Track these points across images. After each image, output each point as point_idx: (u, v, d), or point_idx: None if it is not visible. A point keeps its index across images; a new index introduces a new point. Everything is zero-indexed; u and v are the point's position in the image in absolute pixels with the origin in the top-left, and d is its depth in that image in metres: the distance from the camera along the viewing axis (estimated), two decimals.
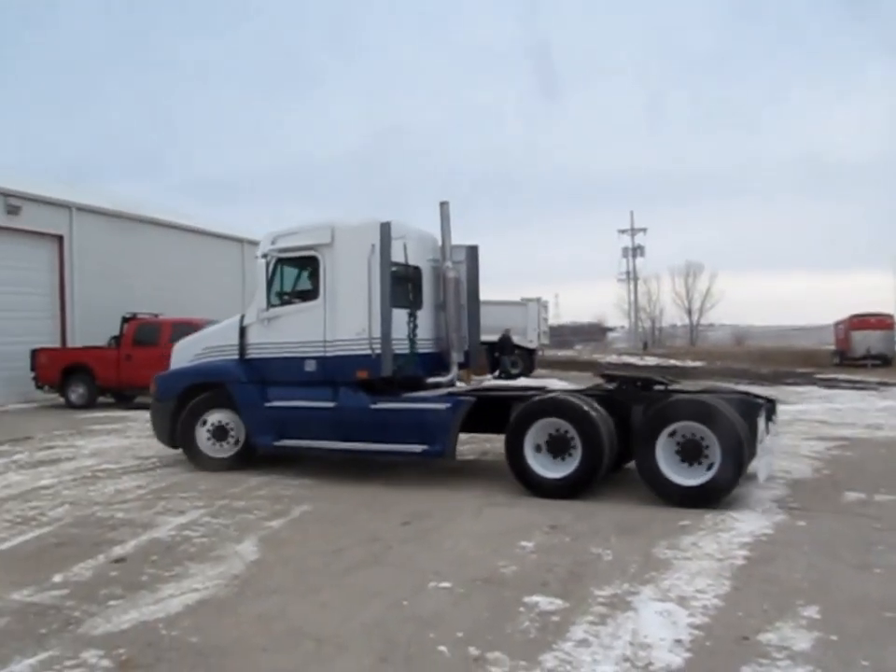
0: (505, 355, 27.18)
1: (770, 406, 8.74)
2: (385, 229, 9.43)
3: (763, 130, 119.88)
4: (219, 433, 10.20)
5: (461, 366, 10.62)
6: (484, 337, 26.65)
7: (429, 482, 9.17)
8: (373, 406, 9.31)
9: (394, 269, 9.52)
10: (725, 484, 7.55)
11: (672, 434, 7.76)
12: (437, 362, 10.47)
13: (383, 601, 5.21)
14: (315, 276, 9.76)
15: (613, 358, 38.82)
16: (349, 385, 9.46)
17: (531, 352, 28.56)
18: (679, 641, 4.49)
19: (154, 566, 6.04)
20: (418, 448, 8.96)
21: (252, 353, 10.07)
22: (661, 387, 8.83)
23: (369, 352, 9.33)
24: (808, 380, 27.21)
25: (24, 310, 20.25)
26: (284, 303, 9.99)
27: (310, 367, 9.65)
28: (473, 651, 4.39)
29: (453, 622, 4.82)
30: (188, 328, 18.18)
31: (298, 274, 10.13)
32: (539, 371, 28.77)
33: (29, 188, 20.94)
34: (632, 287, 70.50)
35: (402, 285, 10.00)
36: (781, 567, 5.84)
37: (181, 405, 10.31)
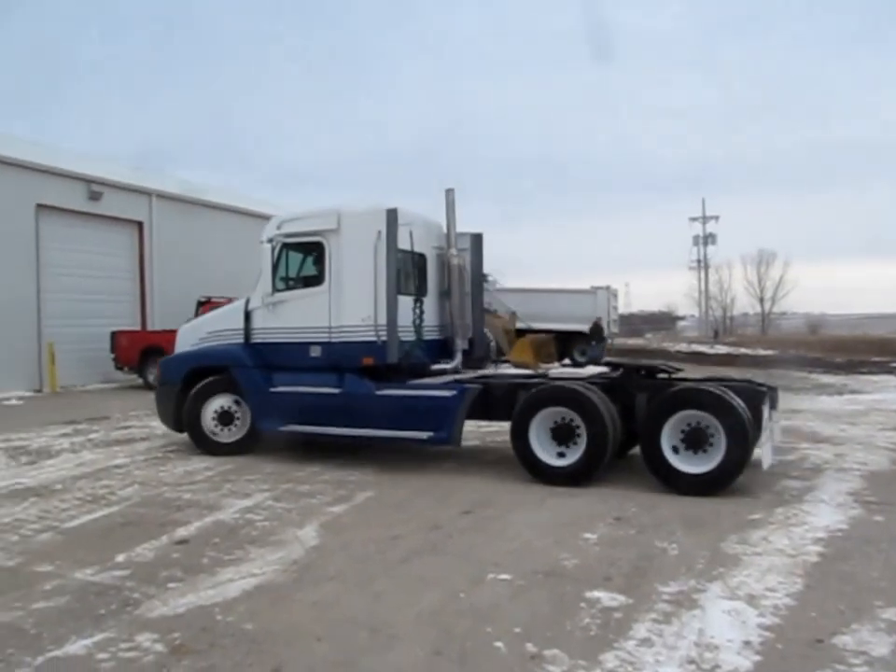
0: (597, 342, 26.85)
1: (773, 394, 8.61)
2: (392, 215, 9.43)
3: (837, 115, 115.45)
4: (225, 417, 10.24)
5: (466, 353, 10.61)
6: (553, 326, 26.59)
7: (492, 470, 9.02)
8: (378, 392, 9.31)
9: (399, 255, 9.53)
10: (731, 472, 7.55)
11: (677, 422, 7.76)
12: (441, 349, 10.52)
13: (439, 591, 5.12)
14: (320, 262, 9.76)
15: (683, 347, 37.85)
16: (354, 372, 9.47)
17: (601, 340, 28.10)
18: (747, 643, 4.27)
19: (215, 548, 6.08)
20: (424, 435, 8.94)
21: (257, 337, 10.11)
22: (664, 376, 8.86)
23: (374, 338, 9.35)
24: (884, 369, 26.02)
25: (106, 293, 20.84)
26: (289, 289, 10.00)
27: (315, 352, 9.64)
28: (531, 647, 4.25)
29: (510, 616, 4.69)
30: None
31: (303, 260, 10.13)
32: (608, 359, 28.27)
33: (110, 175, 21.50)
34: (703, 275, 68.69)
35: (408, 271, 10.01)
36: (858, 565, 5.54)
37: (186, 389, 10.37)
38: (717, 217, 66.43)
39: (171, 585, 5.26)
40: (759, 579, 5.26)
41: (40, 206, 19.00)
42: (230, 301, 20.03)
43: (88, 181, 20.20)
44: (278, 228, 9.94)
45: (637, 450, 8.39)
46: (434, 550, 6.07)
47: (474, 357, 10.86)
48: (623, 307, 46.54)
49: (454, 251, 10.44)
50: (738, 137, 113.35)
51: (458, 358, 10.40)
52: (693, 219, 66.82)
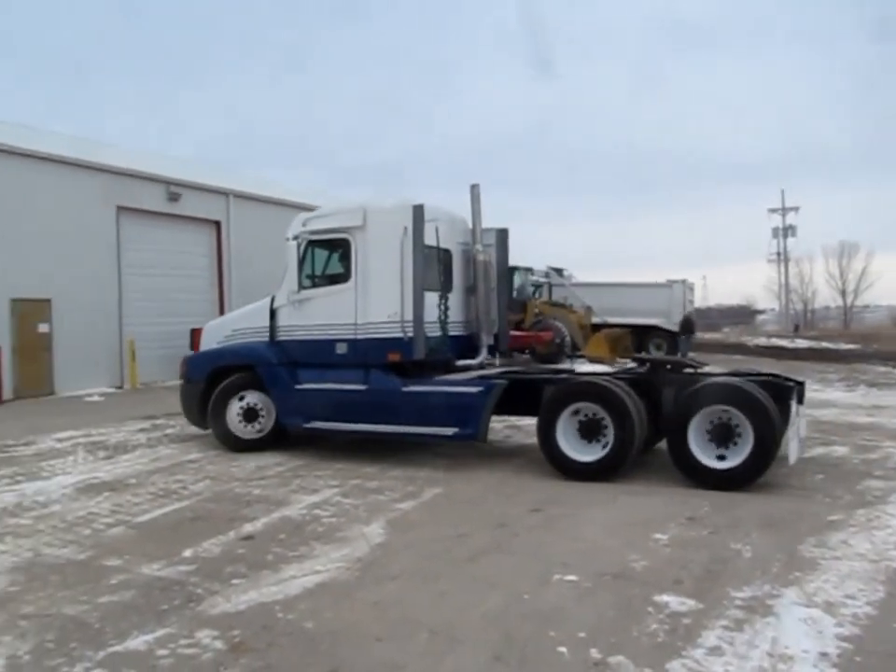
0: (686, 337, 26.28)
1: (800, 389, 8.39)
2: (418, 211, 9.38)
3: None
4: (249, 414, 10.26)
5: (491, 348, 10.53)
6: (629, 320, 26.05)
7: None
8: (405, 389, 9.28)
9: (425, 251, 9.46)
10: (758, 468, 7.49)
11: (704, 417, 7.72)
12: (467, 345, 10.44)
13: (503, 592, 4.99)
14: (346, 259, 9.72)
15: (762, 341, 36.66)
16: (380, 368, 9.43)
17: (676, 334, 27.45)
18: (824, 654, 4.02)
19: (281, 545, 6.08)
20: (450, 431, 8.90)
21: (282, 335, 10.12)
22: (690, 370, 8.84)
23: (401, 335, 9.32)
24: None
25: (185, 292, 21.31)
26: (315, 286, 9.96)
27: (341, 349, 9.63)
28: (595, 653, 4.09)
29: (575, 619, 4.53)
30: None
31: (329, 257, 10.09)
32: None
33: (189, 176, 21.98)
34: (783, 268, 66.46)
35: (434, 267, 9.92)
36: None
37: (211, 386, 10.43)
38: (797, 209, 64.16)
39: (234, 581, 5.27)
40: (838, 585, 4.97)
41: (121, 208, 19.55)
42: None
43: (167, 182, 20.68)
44: (304, 225, 9.95)
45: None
46: (500, 548, 5.94)
47: (500, 351, 10.81)
48: (701, 301, 45.52)
49: (479, 247, 10.42)
50: (819, 125, 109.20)
51: (484, 354, 10.35)
52: (773, 211, 64.70)
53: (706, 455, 7.67)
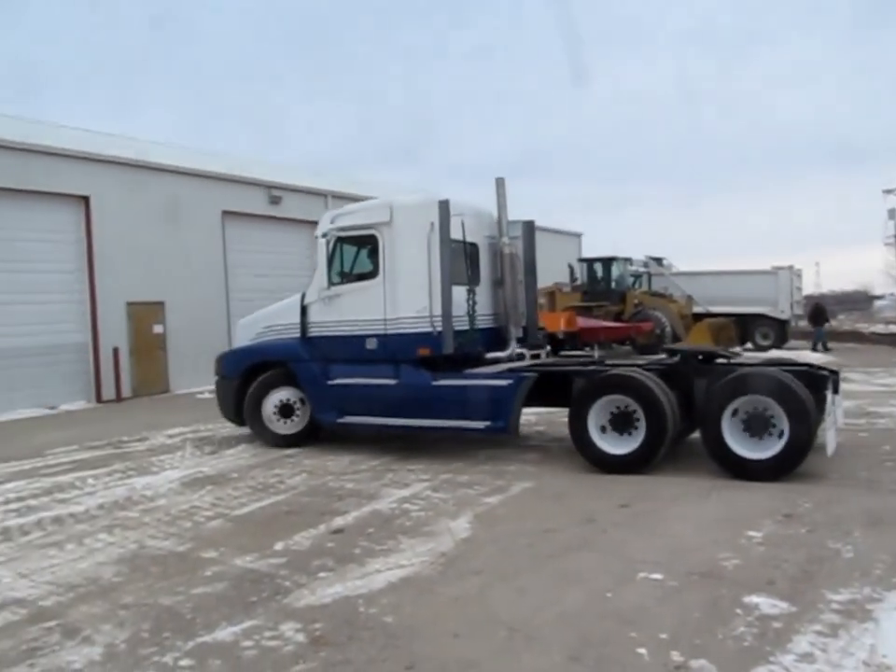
0: (819, 325, 25.31)
1: (835, 378, 8.31)
2: (444, 206, 9.34)
3: None
4: (285, 410, 10.41)
5: (520, 341, 10.48)
6: (732, 309, 25.20)
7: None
8: (435, 383, 9.30)
9: (452, 246, 9.42)
10: (795, 458, 7.44)
11: (739, 408, 7.68)
12: (495, 338, 10.41)
13: (584, 590, 4.92)
14: (374, 255, 9.75)
15: (879, 328, 34.61)
16: (410, 363, 9.44)
17: (783, 323, 26.29)
18: None
19: (368, 538, 6.19)
20: (481, 424, 8.93)
21: (313, 331, 10.21)
22: (723, 360, 8.78)
23: (430, 329, 9.34)
24: None
25: (286, 291, 21.81)
26: (344, 282, 9.99)
27: (371, 345, 9.67)
28: (676, 656, 3.98)
29: (658, 620, 4.42)
30: None
31: (357, 253, 10.10)
32: (791, 343, 26.47)
33: (289, 179, 22.61)
34: None
35: (461, 261, 9.87)
36: None
37: (245, 383, 10.62)
38: None
39: (321, 575, 5.40)
40: None
41: (226, 213, 20.31)
42: None
43: (268, 187, 21.35)
44: (332, 222, 10.03)
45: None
46: (585, 545, 5.86)
47: (530, 344, 10.75)
48: (814, 288, 43.44)
49: (506, 240, 10.39)
50: None
51: (513, 346, 10.31)
52: (888, 192, 61.19)
53: (741, 446, 7.62)
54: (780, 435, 7.46)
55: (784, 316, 26.13)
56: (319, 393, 10.04)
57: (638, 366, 8.87)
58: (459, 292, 9.66)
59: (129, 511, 7.38)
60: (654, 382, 8.15)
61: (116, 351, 17.28)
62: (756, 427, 7.62)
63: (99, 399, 17.08)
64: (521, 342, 10.53)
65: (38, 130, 18.28)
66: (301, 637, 4.37)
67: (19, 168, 15.60)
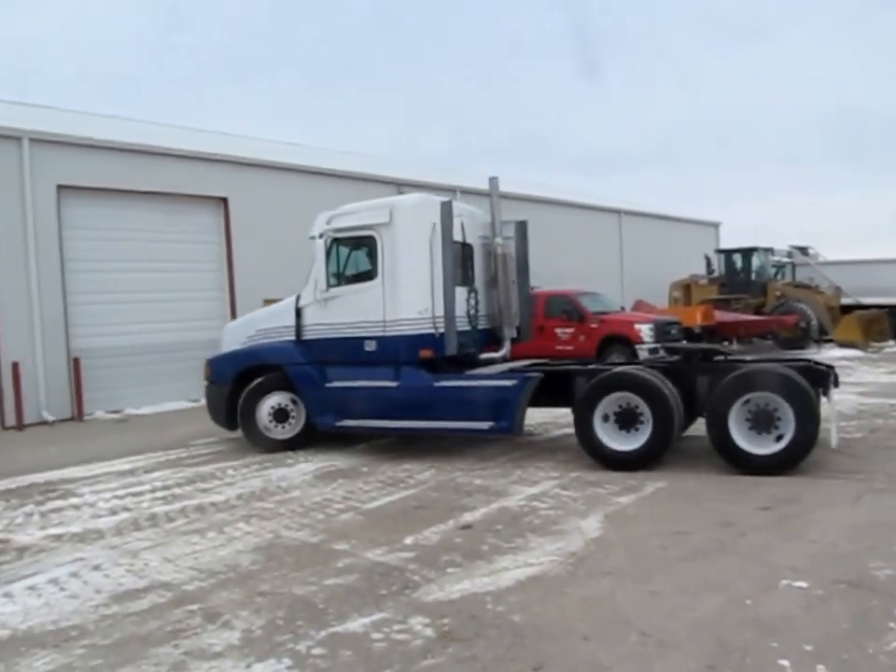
0: None
1: (834, 373, 8.34)
2: (447, 207, 9.20)
3: None
4: (280, 415, 10.24)
5: (513, 341, 10.50)
6: (886, 300, 23.54)
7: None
8: (437, 384, 9.16)
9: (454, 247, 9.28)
10: (801, 452, 7.60)
11: (745, 404, 7.80)
12: (489, 338, 10.38)
13: (722, 596, 4.70)
14: (372, 256, 9.57)
15: None
16: (410, 364, 9.26)
17: None
18: None
19: (497, 535, 6.15)
20: (485, 425, 8.89)
21: (309, 334, 10.03)
22: (721, 358, 8.99)
23: (432, 331, 9.22)
24: None
25: None
26: (340, 284, 9.79)
27: (370, 347, 9.50)
28: (822, 670, 3.73)
29: (802, 631, 4.16)
30: (561, 299, 18.58)
31: (355, 255, 9.90)
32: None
33: (417, 176, 22.89)
34: None
35: (460, 263, 9.68)
36: None
37: (238, 388, 10.38)
38: None
39: (449, 570, 5.40)
40: None
41: None
42: (531, 289, 20.58)
43: (396, 184, 21.64)
44: (328, 223, 9.87)
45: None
46: (723, 549, 5.60)
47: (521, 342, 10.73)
48: None
49: (499, 240, 10.19)
50: None
51: (507, 347, 10.28)
52: None
53: (747, 441, 7.74)
54: (785, 431, 7.60)
55: None
56: (316, 396, 9.93)
57: (641, 364, 8.86)
58: (461, 293, 9.61)
59: (265, 502, 7.64)
60: (660, 379, 8.23)
61: None
62: (762, 422, 7.73)
63: None
64: (514, 342, 10.52)
65: (174, 133, 19.29)
66: (429, 632, 4.39)
67: (165, 172, 16.46)
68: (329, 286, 9.85)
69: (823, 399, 8.09)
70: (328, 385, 9.86)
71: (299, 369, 10.06)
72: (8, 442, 12.55)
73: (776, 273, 26.55)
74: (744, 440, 7.77)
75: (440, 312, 9.35)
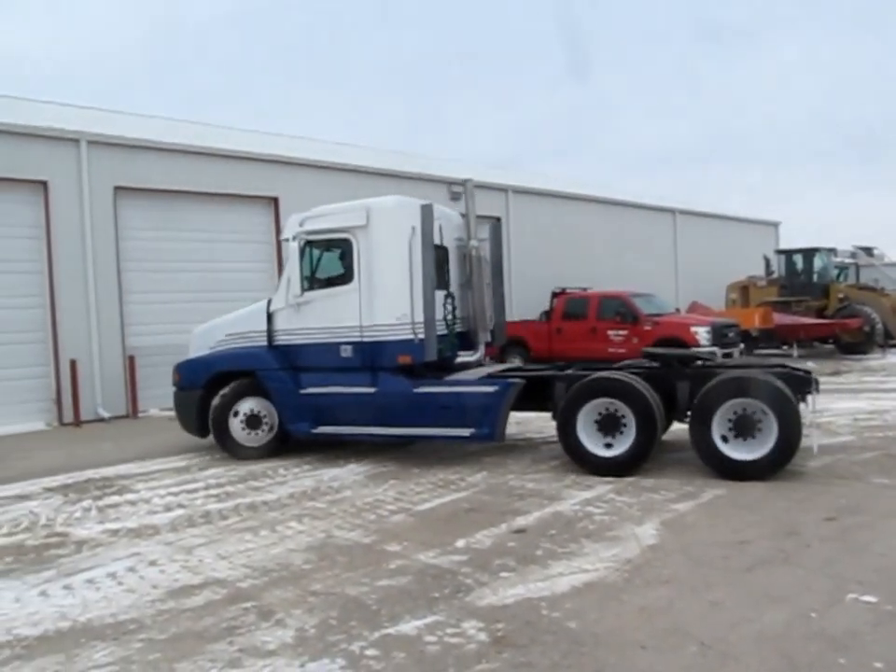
0: None
1: (816, 379, 8.37)
2: (428, 210, 9.04)
3: None
4: (253, 421, 10.01)
5: (487, 345, 10.57)
6: None
7: (866, 469, 7.91)
8: (417, 390, 8.99)
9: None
10: (784, 458, 7.68)
11: (726, 411, 7.83)
12: (464, 342, 10.25)
13: (786, 609, 4.55)
14: (347, 259, 9.38)
15: None
16: (388, 370, 9.10)
17: None
18: None
19: (550, 540, 6.06)
20: (466, 432, 8.83)
21: (281, 339, 9.84)
22: (700, 363, 9.09)
23: (411, 336, 9.04)
24: None
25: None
26: (312, 288, 9.58)
27: (346, 352, 9.31)
28: None
29: (871, 647, 4.01)
30: (614, 301, 18.37)
31: (329, 258, 9.67)
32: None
33: (469, 175, 22.76)
34: None
35: (438, 266, 9.45)
36: None
37: (208, 394, 10.14)
38: None
39: (503, 574, 5.33)
40: None
41: None
42: (584, 290, 20.39)
43: (449, 183, 21.62)
44: (300, 225, 9.66)
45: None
46: (786, 560, 5.43)
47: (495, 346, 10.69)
48: None
49: (474, 242, 9.98)
50: None
51: (481, 350, 10.22)
52: None
53: (730, 447, 7.80)
54: (768, 436, 7.65)
55: None
56: (291, 403, 9.71)
57: (621, 370, 8.78)
58: (437, 297, 9.45)
59: (317, 502, 7.65)
60: (643, 385, 8.20)
61: None
62: (744, 428, 7.79)
63: None
64: (489, 345, 10.39)
65: (223, 133, 19.53)
66: (483, 636, 4.32)
67: (218, 173, 16.66)
68: (303, 290, 9.60)
69: (802, 406, 8.03)
70: (302, 391, 9.65)
71: (272, 374, 9.84)
72: (66, 438, 12.83)
73: (838, 275, 25.78)
74: (728, 446, 7.82)
75: (419, 317, 9.14)
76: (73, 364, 14.19)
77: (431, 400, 9.09)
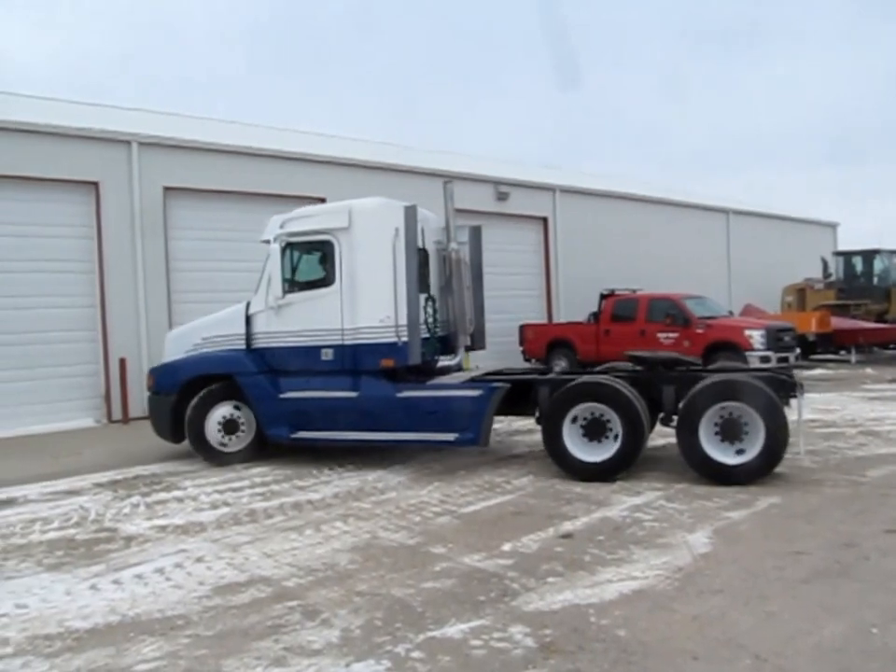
0: None
1: (799, 383, 8.33)
2: (411, 212, 8.91)
3: None
4: (229, 426, 9.79)
5: (467, 348, 10.52)
6: None
7: None
8: (400, 395, 8.84)
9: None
10: (772, 461, 7.69)
11: (713, 415, 7.82)
12: (444, 345, 10.17)
13: (844, 622, 4.39)
14: (329, 261, 9.24)
15: None
16: (370, 374, 8.95)
17: None
18: None
19: (599, 546, 5.95)
20: (450, 436, 8.70)
21: (260, 342, 9.67)
22: (683, 368, 9.02)
23: (394, 339, 8.89)
24: None
25: (514, 289, 21.97)
26: (293, 290, 9.40)
27: (327, 356, 9.16)
28: None
29: None
30: (664, 302, 18.09)
31: (310, 260, 9.54)
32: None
33: (516, 175, 22.71)
34: None
35: (420, 269, 9.46)
36: None
37: (182, 399, 9.89)
38: None
39: (550, 580, 5.25)
40: None
41: (456, 210, 20.70)
42: (633, 292, 20.12)
43: (495, 182, 21.53)
44: (281, 227, 9.52)
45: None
46: (845, 572, 5.25)
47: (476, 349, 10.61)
48: None
49: (454, 245, 9.81)
50: None
51: (462, 354, 10.19)
52: None
53: (717, 451, 7.78)
54: (755, 440, 7.64)
55: None
56: (269, 408, 9.50)
57: (606, 374, 8.79)
58: (421, 300, 9.36)
59: (361, 502, 7.65)
60: (629, 390, 8.13)
61: None
62: (731, 432, 7.77)
63: None
64: (469, 349, 10.29)
65: (269, 134, 19.71)
66: (530, 642, 4.25)
67: (265, 173, 16.76)
68: (283, 292, 9.45)
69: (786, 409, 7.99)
70: (281, 395, 9.48)
71: (250, 378, 9.64)
72: (115, 435, 13.05)
73: None
74: (715, 450, 7.79)
75: (402, 320, 9.01)
76: (122, 362, 14.43)
77: (415, 405, 8.96)
